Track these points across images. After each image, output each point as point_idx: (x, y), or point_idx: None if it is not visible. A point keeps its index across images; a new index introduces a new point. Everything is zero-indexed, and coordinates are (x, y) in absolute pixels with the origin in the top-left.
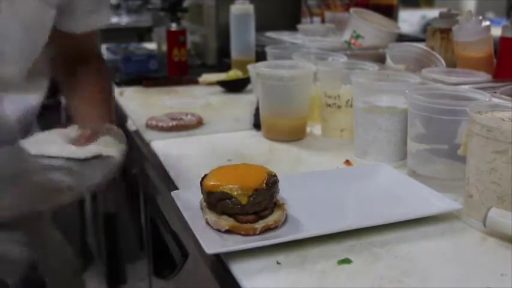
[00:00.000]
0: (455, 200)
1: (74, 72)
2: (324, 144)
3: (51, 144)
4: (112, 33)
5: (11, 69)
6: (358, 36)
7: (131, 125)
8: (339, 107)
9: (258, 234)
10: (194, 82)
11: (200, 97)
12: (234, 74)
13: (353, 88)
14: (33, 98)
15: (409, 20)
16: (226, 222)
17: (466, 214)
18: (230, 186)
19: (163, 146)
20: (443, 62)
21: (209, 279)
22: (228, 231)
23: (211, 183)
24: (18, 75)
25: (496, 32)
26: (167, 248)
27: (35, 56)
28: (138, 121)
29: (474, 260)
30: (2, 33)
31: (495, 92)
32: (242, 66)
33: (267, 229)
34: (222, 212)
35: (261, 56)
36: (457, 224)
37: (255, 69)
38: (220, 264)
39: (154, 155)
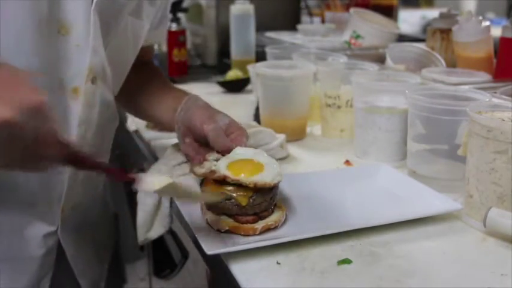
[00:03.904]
0: (455, 200)
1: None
2: (324, 144)
3: None
4: None
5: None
6: (358, 36)
7: (131, 125)
8: (339, 107)
9: (258, 234)
10: None
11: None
12: (234, 74)
13: (353, 88)
14: None
15: (409, 20)
16: (226, 222)
17: (466, 214)
18: (230, 187)
19: (163, 146)
20: (443, 62)
21: (209, 279)
22: (228, 232)
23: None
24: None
25: (496, 32)
26: (167, 248)
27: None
28: (138, 121)
29: (474, 260)
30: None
31: (495, 92)
32: (242, 66)
33: (266, 229)
34: (221, 213)
35: (261, 56)
36: (457, 224)
37: (255, 69)
38: (220, 264)
39: (154, 155)
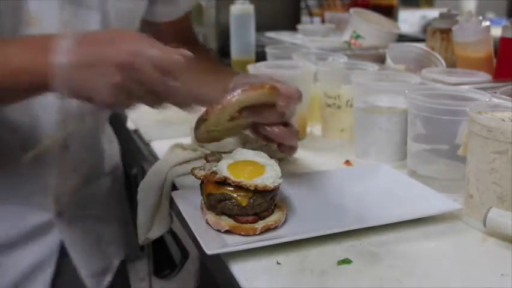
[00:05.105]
0: (455, 200)
1: None
2: (324, 144)
3: None
4: None
5: None
6: (358, 36)
7: (131, 125)
8: (339, 107)
9: (258, 234)
10: None
11: None
12: None
13: (353, 88)
14: None
15: (409, 20)
16: (226, 222)
17: (466, 214)
18: (231, 187)
19: (163, 146)
20: (443, 62)
21: (209, 279)
22: (228, 232)
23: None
24: None
25: (496, 32)
26: (167, 248)
27: None
28: (138, 121)
29: (474, 260)
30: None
31: (495, 92)
32: (242, 66)
33: (267, 229)
34: (221, 213)
35: (261, 56)
36: (457, 224)
37: (255, 69)
38: (220, 265)
39: (154, 155)
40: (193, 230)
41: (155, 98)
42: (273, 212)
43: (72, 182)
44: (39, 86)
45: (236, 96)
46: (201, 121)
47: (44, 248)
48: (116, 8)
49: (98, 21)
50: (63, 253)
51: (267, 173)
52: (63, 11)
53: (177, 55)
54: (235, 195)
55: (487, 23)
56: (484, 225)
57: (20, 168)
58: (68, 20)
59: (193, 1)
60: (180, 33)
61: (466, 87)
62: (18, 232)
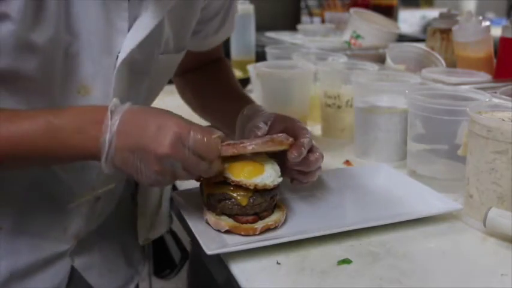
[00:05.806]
0: (455, 200)
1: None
2: (324, 144)
3: None
4: None
5: None
6: (358, 36)
7: None
8: (339, 107)
9: (258, 234)
10: None
11: None
12: None
13: (353, 88)
14: None
15: (409, 20)
16: (226, 222)
17: (466, 214)
18: (230, 187)
19: None
20: (443, 62)
21: (209, 279)
22: (228, 232)
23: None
24: None
25: (496, 32)
26: (167, 248)
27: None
28: None
29: (474, 260)
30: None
31: (495, 92)
32: (242, 66)
33: (267, 229)
34: (221, 213)
35: (261, 56)
36: (457, 224)
37: (255, 69)
38: (220, 264)
39: None
40: (193, 230)
41: (191, 176)
42: (273, 212)
43: (97, 223)
44: (88, 157)
45: (254, 146)
46: None
47: (54, 276)
48: (160, 65)
49: (146, 84)
50: (73, 275)
51: (267, 172)
52: (120, 80)
53: (215, 141)
54: (235, 194)
55: (487, 23)
56: (484, 225)
57: (49, 213)
58: (121, 87)
59: (231, 30)
60: (209, 54)
61: (466, 87)
62: (30, 263)
